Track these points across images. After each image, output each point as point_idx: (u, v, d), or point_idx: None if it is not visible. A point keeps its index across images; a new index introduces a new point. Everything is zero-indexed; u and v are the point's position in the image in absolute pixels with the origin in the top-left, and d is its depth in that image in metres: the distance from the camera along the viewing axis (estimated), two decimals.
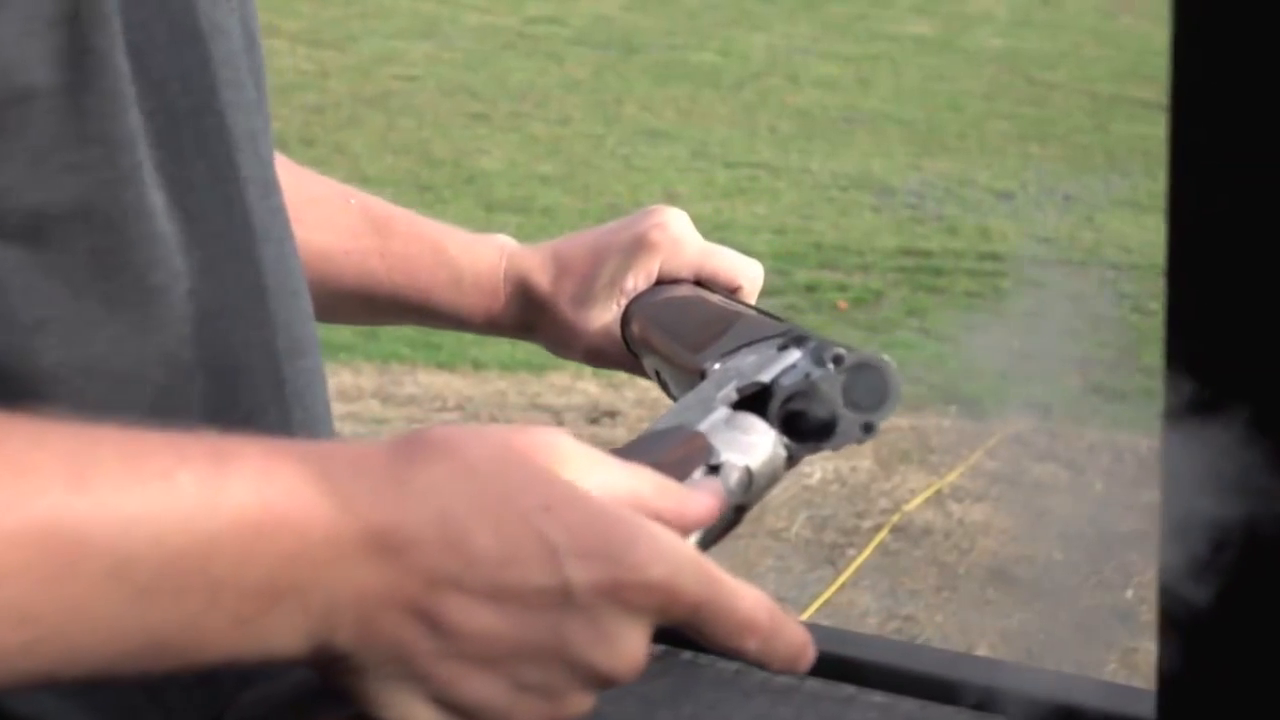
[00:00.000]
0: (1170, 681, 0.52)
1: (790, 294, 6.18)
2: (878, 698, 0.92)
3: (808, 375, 0.71)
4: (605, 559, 0.59)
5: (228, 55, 0.74)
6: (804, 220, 7.10)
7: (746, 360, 0.75)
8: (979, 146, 8.05)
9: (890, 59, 9.80)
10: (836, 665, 0.94)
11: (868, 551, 3.99)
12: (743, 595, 0.63)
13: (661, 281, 0.99)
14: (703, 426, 0.69)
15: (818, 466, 4.51)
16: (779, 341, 0.76)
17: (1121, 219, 6.83)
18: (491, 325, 1.01)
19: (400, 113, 8.44)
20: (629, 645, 0.60)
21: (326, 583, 0.58)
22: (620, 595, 0.59)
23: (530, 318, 1.01)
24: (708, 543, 0.67)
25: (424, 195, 6.97)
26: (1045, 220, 6.99)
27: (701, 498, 0.66)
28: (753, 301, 1.01)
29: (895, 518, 4.16)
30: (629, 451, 0.68)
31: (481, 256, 1.01)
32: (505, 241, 1.03)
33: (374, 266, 1.00)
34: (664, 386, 0.88)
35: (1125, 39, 9.96)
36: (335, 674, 0.60)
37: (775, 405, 0.70)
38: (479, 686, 0.59)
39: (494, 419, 4.88)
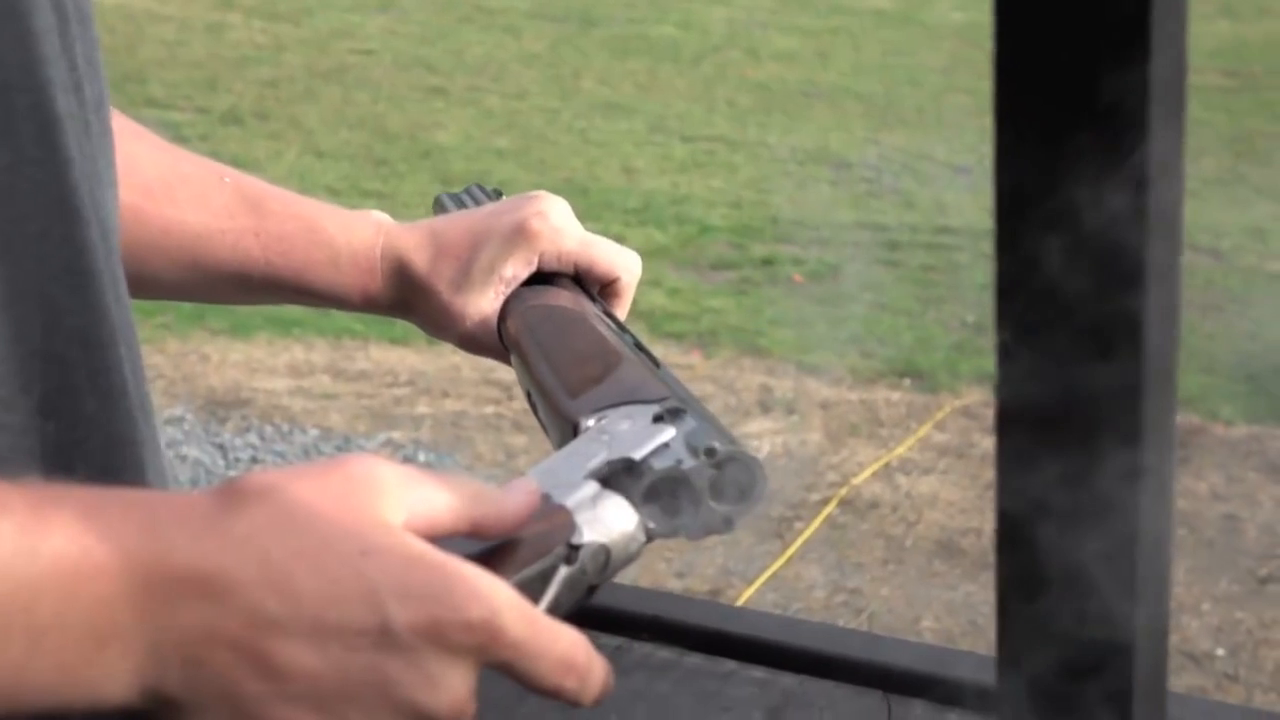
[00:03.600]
0: (1008, 645, 0.51)
1: (746, 268, 6.18)
2: (757, 673, 0.91)
3: (679, 462, 0.71)
4: (425, 600, 0.60)
5: (45, 31, 0.72)
6: (761, 194, 7.10)
7: (620, 426, 0.75)
8: (937, 120, 8.05)
9: (849, 33, 9.79)
10: (716, 640, 0.93)
11: (815, 525, 4.00)
12: (561, 635, 0.64)
13: (542, 270, 0.98)
14: (569, 502, 0.69)
15: (766, 440, 4.52)
16: (655, 410, 0.76)
17: None
18: (369, 304, 1.00)
19: (355, 87, 8.40)
20: (451, 685, 0.61)
21: (149, 627, 0.58)
22: (440, 635, 0.60)
23: (407, 297, 0.99)
24: (555, 616, 0.67)
25: (379, 169, 6.93)
26: None
27: (517, 499, 0.66)
28: (631, 293, 1.00)
29: (843, 491, 4.16)
30: None
31: (358, 234, 0.99)
32: (382, 219, 1.01)
33: (249, 246, 0.98)
34: (533, 408, 0.87)
35: None
36: (167, 717, 0.60)
37: (642, 486, 0.71)
38: None
39: (446, 394, 4.87)
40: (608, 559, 0.69)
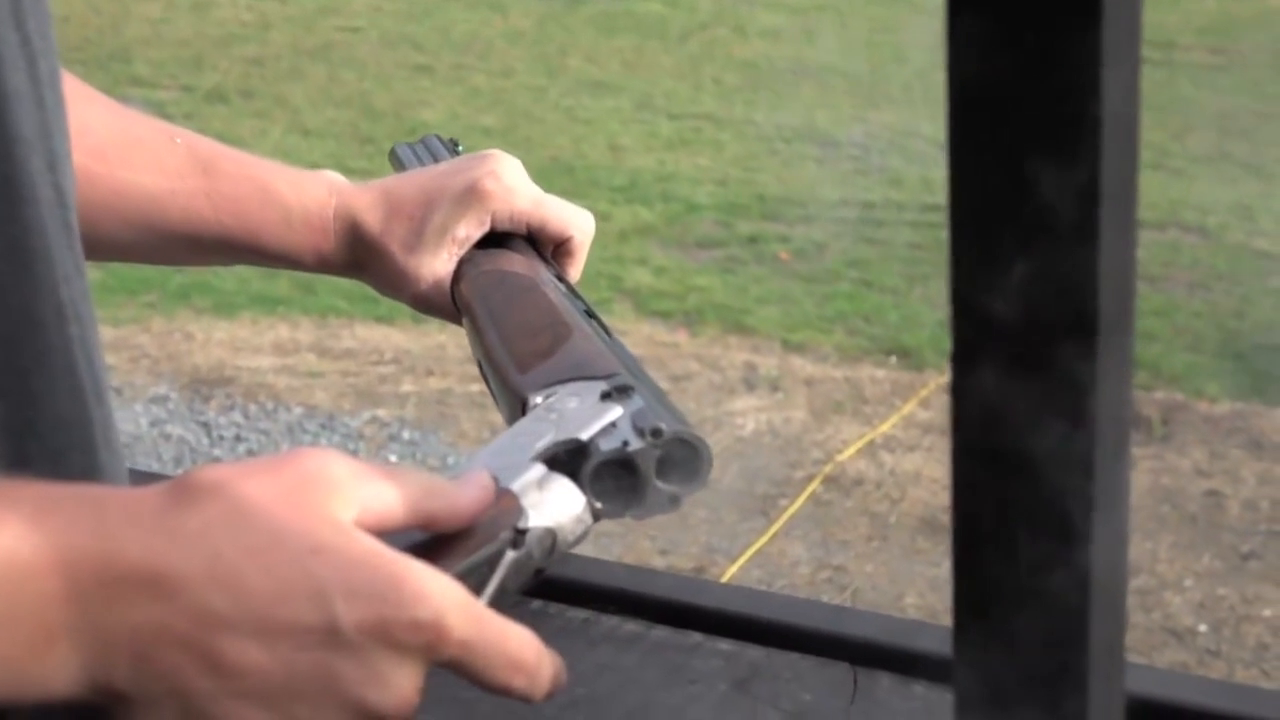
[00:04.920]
0: (963, 613, 0.51)
1: (733, 245, 6.17)
2: (724, 645, 0.91)
3: (625, 444, 0.71)
4: (373, 599, 0.60)
5: None
6: (747, 172, 7.09)
7: (568, 405, 0.75)
8: (924, 98, 8.04)
9: (836, 10, 9.77)
10: (682, 613, 0.93)
11: (799, 502, 4.00)
12: (510, 634, 0.64)
13: (495, 230, 0.98)
14: (515, 486, 0.69)
15: (750, 418, 4.52)
16: (604, 387, 0.76)
17: None
18: (322, 264, 1.00)
19: (341, 65, 8.37)
20: (398, 683, 0.61)
21: (98, 624, 0.58)
22: (388, 634, 0.60)
23: (360, 258, 0.99)
24: (502, 600, 0.67)
25: (365, 148, 6.91)
26: None
27: (470, 492, 0.66)
28: (585, 251, 1.00)
29: (827, 468, 4.17)
30: None
31: (311, 194, 0.99)
32: (335, 179, 1.00)
33: (201, 207, 0.97)
34: (484, 379, 0.87)
35: None
36: (117, 714, 0.60)
37: (589, 467, 0.71)
38: None
39: (431, 372, 4.87)
40: (554, 542, 0.69)
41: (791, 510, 3.96)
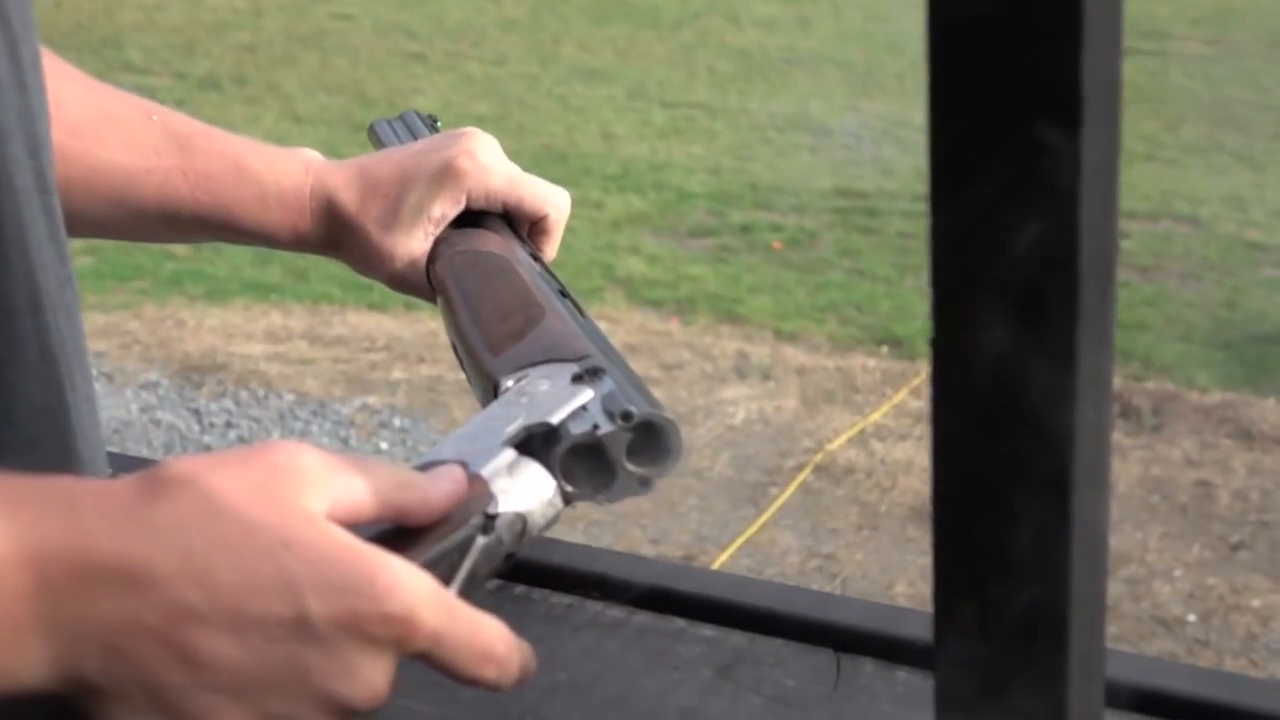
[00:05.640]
0: (944, 598, 0.51)
1: (725, 234, 6.17)
2: (707, 630, 0.91)
3: (595, 427, 0.71)
4: (344, 592, 0.60)
5: None
6: (740, 161, 7.09)
7: (539, 387, 0.75)
8: (917, 88, 8.02)
9: None
10: (666, 599, 0.93)
11: (790, 490, 4.00)
12: (481, 626, 0.64)
13: (470, 208, 0.98)
14: (485, 471, 0.69)
15: (742, 406, 4.52)
16: (575, 369, 0.76)
17: None
18: (298, 242, 0.99)
19: (334, 52, 8.36)
20: (370, 675, 0.61)
21: (70, 618, 0.59)
22: (359, 627, 0.60)
23: (336, 236, 0.99)
24: (473, 586, 0.67)
25: (357, 135, 6.90)
26: None
27: (442, 487, 0.66)
28: (560, 230, 1.00)
29: (818, 457, 4.17)
30: None
31: (287, 172, 0.98)
32: (311, 156, 1.00)
33: (177, 184, 0.97)
34: (458, 360, 0.87)
35: None
36: (88, 706, 0.60)
37: (559, 452, 0.71)
38: (226, 717, 0.60)
39: (422, 359, 4.86)
40: (524, 527, 0.69)
41: (782, 499, 3.96)
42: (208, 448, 4.30)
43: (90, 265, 5.57)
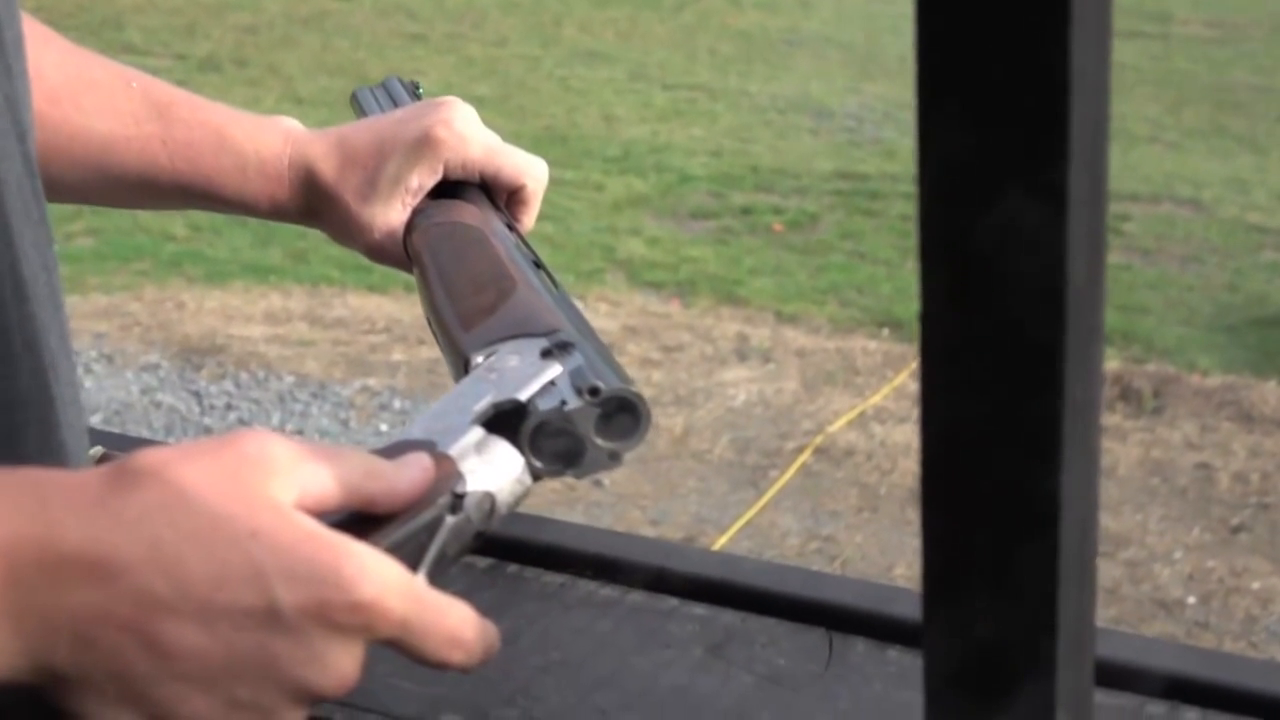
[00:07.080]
0: (933, 579, 0.51)
1: (726, 216, 6.17)
2: (699, 609, 0.91)
3: (563, 403, 0.71)
4: (311, 581, 0.60)
5: None
6: (741, 143, 7.08)
7: (508, 363, 0.75)
8: None
9: None
10: (658, 577, 0.93)
11: (790, 473, 4.00)
12: (447, 611, 0.64)
13: (448, 178, 0.97)
14: (454, 450, 0.69)
15: (742, 389, 4.52)
16: (544, 344, 0.76)
17: None
18: (277, 212, 0.99)
19: (335, 33, 8.34)
20: (338, 663, 0.62)
21: (39, 608, 0.59)
22: (327, 615, 0.61)
23: (315, 206, 0.98)
24: (443, 565, 0.67)
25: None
26: None
27: (410, 475, 0.66)
28: (538, 199, 1.00)
29: (818, 439, 4.17)
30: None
31: (266, 142, 0.98)
32: (291, 126, 1.00)
33: (156, 153, 0.97)
34: (433, 334, 0.87)
35: None
36: (57, 696, 0.61)
37: (527, 429, 0.71)
38: (195, 706, 0.60)
39: (422, 341, 4.86)
40: (493, 506, 0.69)
41: (782, 481, 3.96)
42: (208, 429, 4.30)
43: (91, 246, 5.57)
